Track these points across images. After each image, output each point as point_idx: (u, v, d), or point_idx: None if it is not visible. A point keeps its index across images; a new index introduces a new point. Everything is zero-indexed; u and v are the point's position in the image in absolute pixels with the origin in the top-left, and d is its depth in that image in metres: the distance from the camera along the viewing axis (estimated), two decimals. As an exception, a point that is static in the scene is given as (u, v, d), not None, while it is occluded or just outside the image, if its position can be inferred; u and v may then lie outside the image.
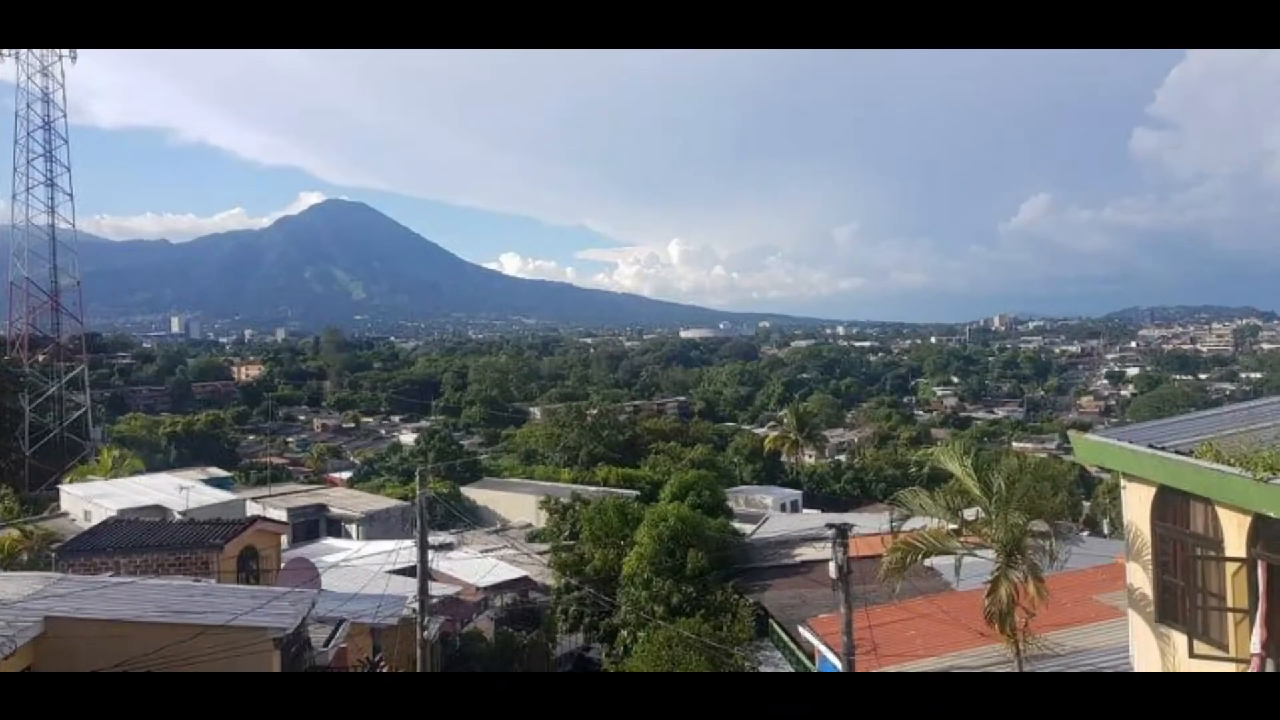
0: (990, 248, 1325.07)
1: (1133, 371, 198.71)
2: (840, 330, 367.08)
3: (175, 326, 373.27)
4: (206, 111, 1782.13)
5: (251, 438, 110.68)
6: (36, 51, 62.08)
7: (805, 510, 54.65)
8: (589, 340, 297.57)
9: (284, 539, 30.22)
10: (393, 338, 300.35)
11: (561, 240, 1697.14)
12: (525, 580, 37.44)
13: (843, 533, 16.99)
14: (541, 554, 41.01)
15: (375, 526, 44.58)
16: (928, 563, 19.19)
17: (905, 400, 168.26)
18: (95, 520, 30.95)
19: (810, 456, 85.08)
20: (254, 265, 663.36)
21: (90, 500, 35.89)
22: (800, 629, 22.80)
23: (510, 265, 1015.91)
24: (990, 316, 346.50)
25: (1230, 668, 10.27)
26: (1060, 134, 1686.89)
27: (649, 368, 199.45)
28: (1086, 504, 51.44)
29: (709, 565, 31.57)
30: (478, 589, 33.62)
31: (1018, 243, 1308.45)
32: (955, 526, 16.47)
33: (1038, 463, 22.79)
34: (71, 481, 43.96)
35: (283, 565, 26.16)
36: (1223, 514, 10.41)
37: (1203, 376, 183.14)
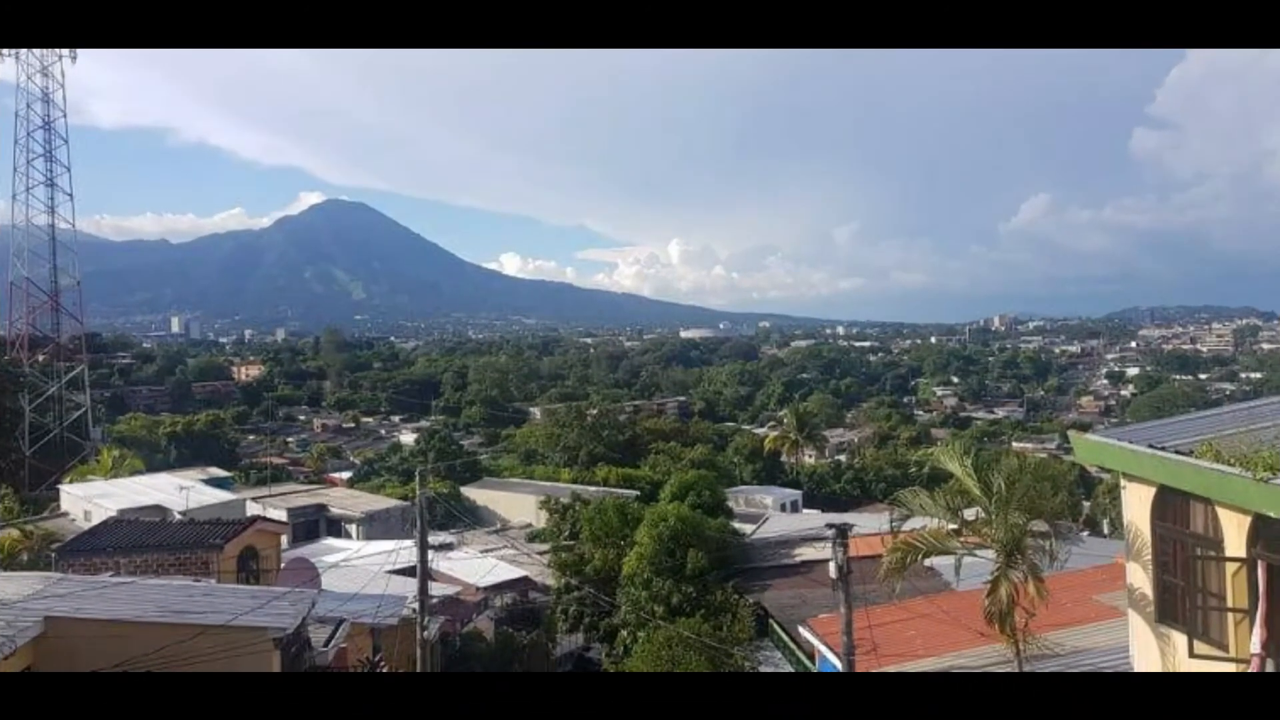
0: (990, 248, 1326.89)
1: (1133, 371, 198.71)
2: (840, 330, 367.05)
3: (175, 326, 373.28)
4: (206, 111, 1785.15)
5: (251, 438, 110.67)
6: (36, 51, 62.08)
7: (805, 510, 54.65)
8: (589, 340, 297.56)
9: (284, 539, 30.22)
10: (393, 338, 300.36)
11: (561, 240, 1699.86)
12: (525, 580, 37.44)
13: (843, 533, 16.99)
14: (541, 554, 41.01)
15: (375, 526, 44.57)
16: (928, 563, 19.19)
17: (905, 400, 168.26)
18: (95, 520, 30.95)
19: (810, 456, 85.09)
20: (254, 265, 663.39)
21: (90, 500, 35.89)
22: (800, 629, 22.80)
23: (510, 265, 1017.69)
24: (990, 316, 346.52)
25: (1230, 668, 10.27)
26: (1060, 134, 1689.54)
27: (649, 368, 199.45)
28: (1086, 504, 51.44)
29: (709, 565, 31.57)
30: (478, 589, 33.62)
31: (1018, 243, 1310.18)
32: (955, 526, 16.46)
33: (1038, 463, 22.79)
34: (71, 481, 43.96)
35: (283, 565, 26.16)
36: (1223, 514, 10.41)
37: (1203, 376, 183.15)
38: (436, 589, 26.61)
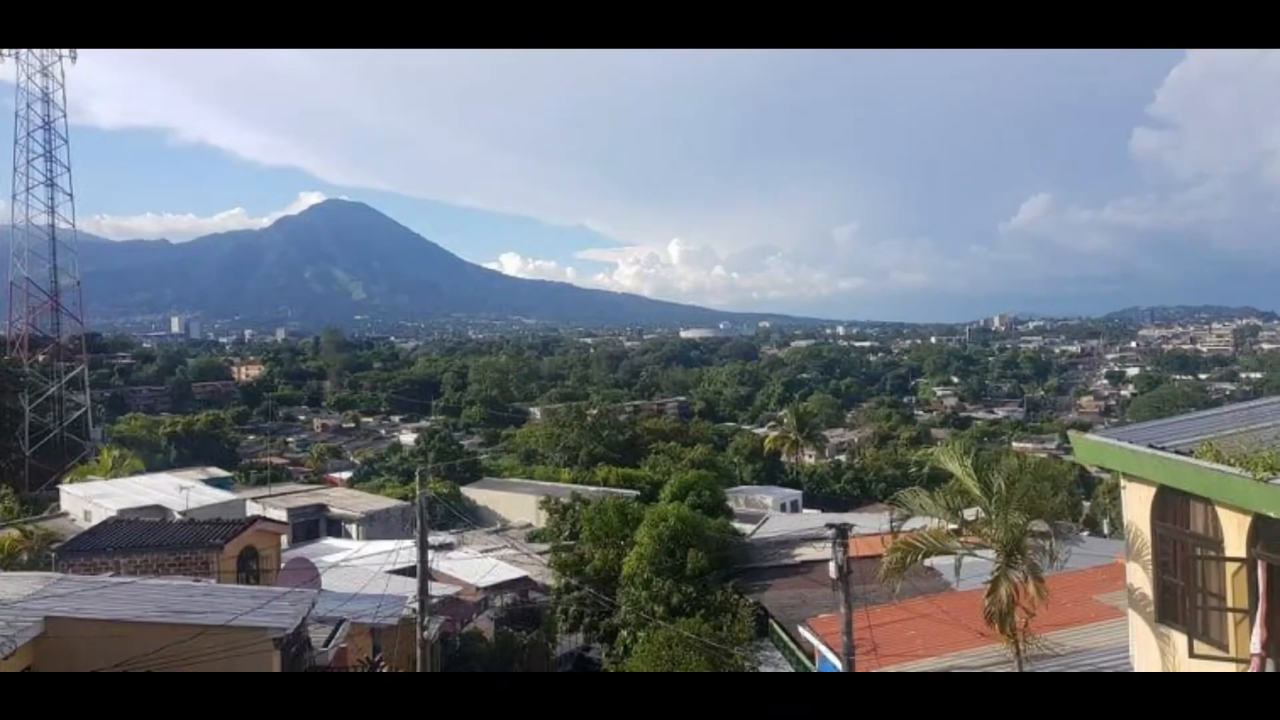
0: (990, 248, 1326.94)
1: (1133, 371, 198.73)
2: (840, 330, 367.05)
3: (175, 326, 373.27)
4: (206, 111, 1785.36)
5: (251, 438, 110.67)
6: (36, 51, 62.08)
7: (805, 510, 54.64)
8: (589, 340, 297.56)
9: (284, 539, 30.22)
10: (393, 338, 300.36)
11: (561, 240, 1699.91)
12: (525, 580, 37.43)
13: (843, 533, 16.99)
14: (541, 554, 41.01)
15: (375, 526, 44.57)
16: (928, 563, 19.19)
17: (905, 400, 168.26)
18: (95, 520, 30.95)
19: (810, 456, 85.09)
20: (254, 265, 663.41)
21: (90, 500, 35.89)
22: (800, 629, 22.80)
23: (510, 265, 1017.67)
24: (990, 316, 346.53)
25: (1230, 668, 10.27)
26: (1060, 134, 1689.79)
27: (649, 368, 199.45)
28: (1086, 504, 51.44)
29: (709, 565, 31.57)
30: (478, 589, 33.61)
31: (1018, 243, 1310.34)
32: (955, 526, 16.46)
33: (1038, 463, 22.79)
34: (71, 481, 43.96)
35: (283, 565, 26.16)
36: (1223, 514, 10.41)
37: (1203, 376, 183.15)
38: (436, 589, 26.61)
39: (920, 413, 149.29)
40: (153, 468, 51.89)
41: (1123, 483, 12.64)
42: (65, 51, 62.98)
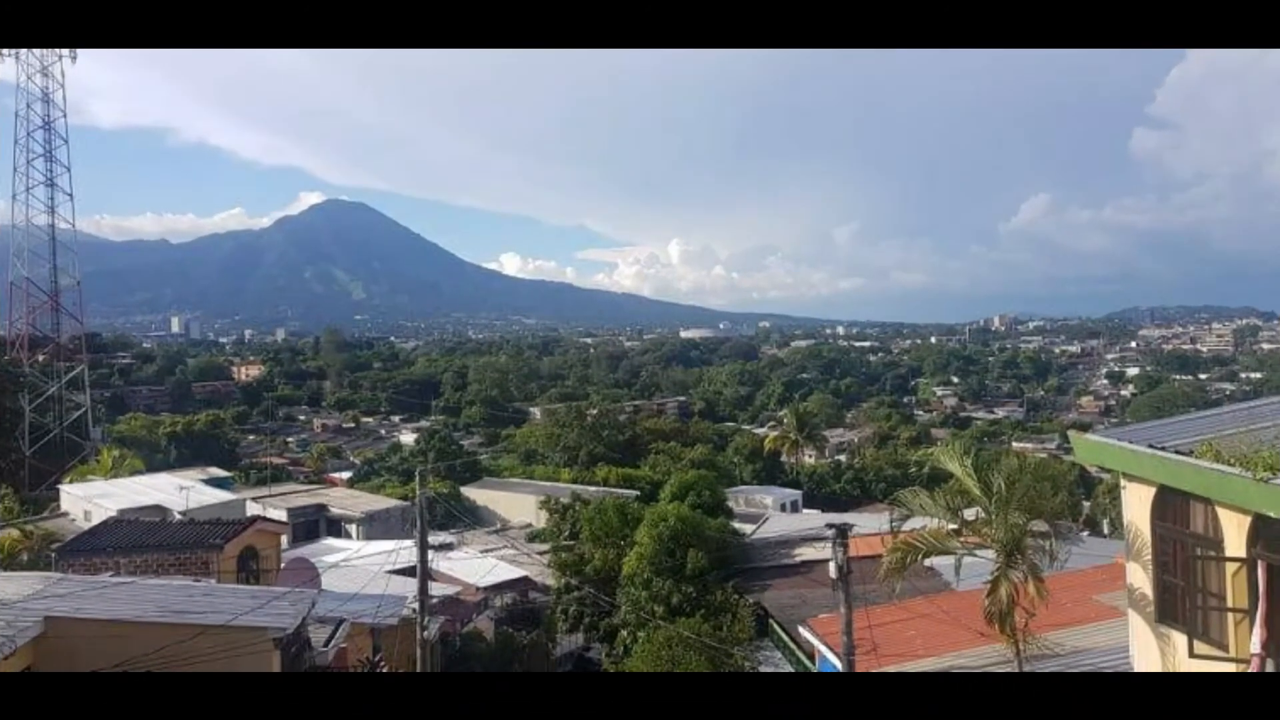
0: (990, 248, 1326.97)
1: (1133, 371, 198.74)
2: (840, 330, 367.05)
3: (175, 326, 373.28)
4: (206, 111, 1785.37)
5: (251, 438, 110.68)
6: (36, 51, 62.09)
7: (805, 510, 54.65)
8: (589, 340, 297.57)
9: (284, 539, 30.22)
10: (393, 338, 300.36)
11: (561, 240, 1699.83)
12: (525, 580, 37.43)
13: (843, 533, 16.99)
14: (541, 554, 41.01)
15: (375, 526, 44.58)
16: (928, 563, 19.18)
17: (905, 400, 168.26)
18: (95, 520, 30.94)
19: (810, 456, 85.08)
20: (254, 265, 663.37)
21: (90, 500, 35.89)
22: (800, 629, 22.80)
23: (510, 265, 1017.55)
24: (990, 316, 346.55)
25: (1230, 668, 10.27)
26: (1060, 134, 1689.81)
27: (649, 368, 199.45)
28: (1086, 504, 51.44)
29: (709, 565, 31.57)
30: (478, 589, 33.62)
31: (1018, 243, 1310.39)
32: (955, 526, 16.46)
33: (1038, 463, 22.79)
34: (71, 481, 43.96)
35: (283, 565, 26.16)
36: (1223, 514, 10.41)
37: (1203, 376, 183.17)
38: (436, 589, 26.61)
39: (920, 413, 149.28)
40: (153, 468, 51.90)
41: (1123, 483, 12.64)
42: (65, 51, 62.99)
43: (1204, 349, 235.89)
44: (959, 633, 17.65)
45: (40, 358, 64.34)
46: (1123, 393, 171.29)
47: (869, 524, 25.88)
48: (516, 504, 53.67)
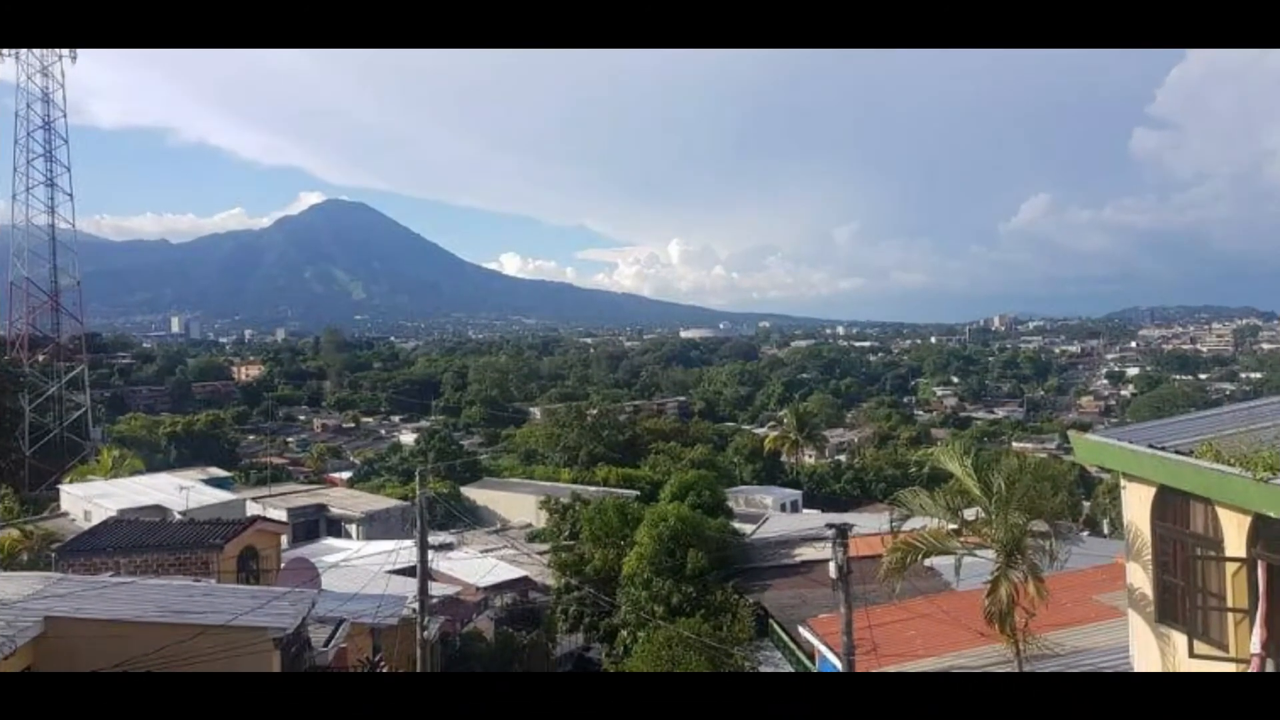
0: (990, 248, 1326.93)
1: (1133, 371, 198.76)
2: (840, 330, 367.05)
3: (175, 326, 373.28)
4: (206, 111, 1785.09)
5: (251, 438, 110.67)
6: (36, 51, 62.09)
7: (805, 510, 54.65)
8: (589, 340, 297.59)
9: (284, 539, 30.22)
10: (393, 338, 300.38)
11: (561, 240, 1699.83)
12: (525, 580, 37.43)
13: (843, 533, 16.99)
14: (541, 554, 41.01)
15: (375, 526, 44.58)
16: (928, 563, 19.18)
17: (905, 400, 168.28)
18: (95, 520, 30.95)
19: (810, 456, 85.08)
20: (254, 265, 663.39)
21: (90, 500, 35.89)
22: (800, 629, 22.80)
23: (510, 265, 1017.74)
24: (990, 316, 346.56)
25: (1230, 668, 10.27)
26: (1060, 134, 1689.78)
27: (649, 368, 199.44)
28: (1086, 504, 51.43)
29: (709, 565, 31.57)
30: (478, 589, 33.62)
31: (1018, 243, 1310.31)
32: (955, 526, 16.47)
33: (1038, 463, 22.79)
34: (71, 481, 43.96)
35: (283, 565, 26.16)
36: (1223, 514, 10.40)
37: (1203, 376, 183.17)
38: (436, 589, 26.61)
39: (920, 413, 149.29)
40: (153, 468, 51.90)
41: (1123, 483, 12.64)
42: (65, 51, 63.00)
43: (1204, 349, 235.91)
44: (959, 633, 17.65)
45: (40, 358, 64.34)
46: (1123, 393, 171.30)
47: (869, 524, 25.89)
48: (516, 504, 53.67)
